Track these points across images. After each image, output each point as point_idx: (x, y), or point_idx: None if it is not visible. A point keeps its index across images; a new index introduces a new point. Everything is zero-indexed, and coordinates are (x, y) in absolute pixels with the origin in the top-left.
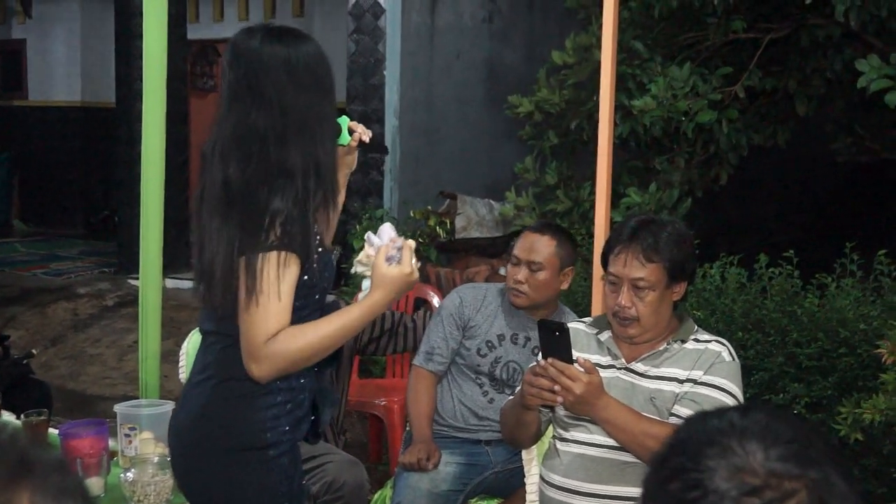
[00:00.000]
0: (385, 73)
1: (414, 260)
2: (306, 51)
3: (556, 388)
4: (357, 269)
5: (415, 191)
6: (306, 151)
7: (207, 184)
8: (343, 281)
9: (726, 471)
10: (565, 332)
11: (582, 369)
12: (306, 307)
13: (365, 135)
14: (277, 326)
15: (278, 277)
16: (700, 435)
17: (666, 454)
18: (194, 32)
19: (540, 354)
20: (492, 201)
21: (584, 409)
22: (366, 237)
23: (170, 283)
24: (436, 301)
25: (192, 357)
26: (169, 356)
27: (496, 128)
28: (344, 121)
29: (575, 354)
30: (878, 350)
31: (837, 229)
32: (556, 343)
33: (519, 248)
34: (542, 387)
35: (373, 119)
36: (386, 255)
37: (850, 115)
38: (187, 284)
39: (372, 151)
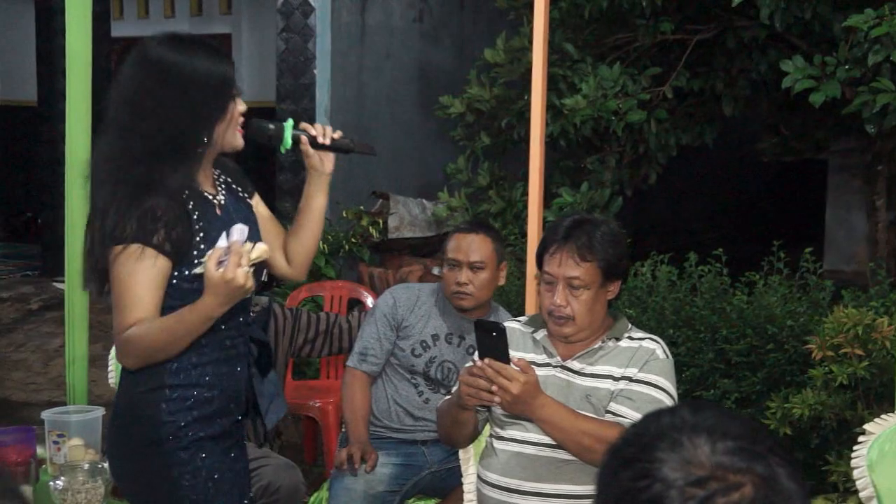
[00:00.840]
0: (315, 72)
1: (245, 267)
2: (196, 60)
3: (494, 388)
4: (198, 269)
5: (347, 191)
6: (171, 154)
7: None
8: (276, 283)
9: (675, 462)
10: (502, 332)
11: (518, 369)
12: None
13: (321, 136)
14: (137, 317)
15: (132, 270)
16: (653, 429)
17: (620, 446)
18: (119, 30)
19: (476, 354)
20: (424, 201)
21: (521, 409)
22: (221, 236)
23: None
24: (370, 301)
25: None
26: (97, 360)
27: (428, 128)
28: (288, 124)
29: (511, 354)
30: (808, 346)
31: (763, 227)
32: (492, 343)
33: (456, 251)
34: (480, 387)
35: (303, 119)
36: (217, 258)
37: (775, 115)
38: None
39: (339, 151)
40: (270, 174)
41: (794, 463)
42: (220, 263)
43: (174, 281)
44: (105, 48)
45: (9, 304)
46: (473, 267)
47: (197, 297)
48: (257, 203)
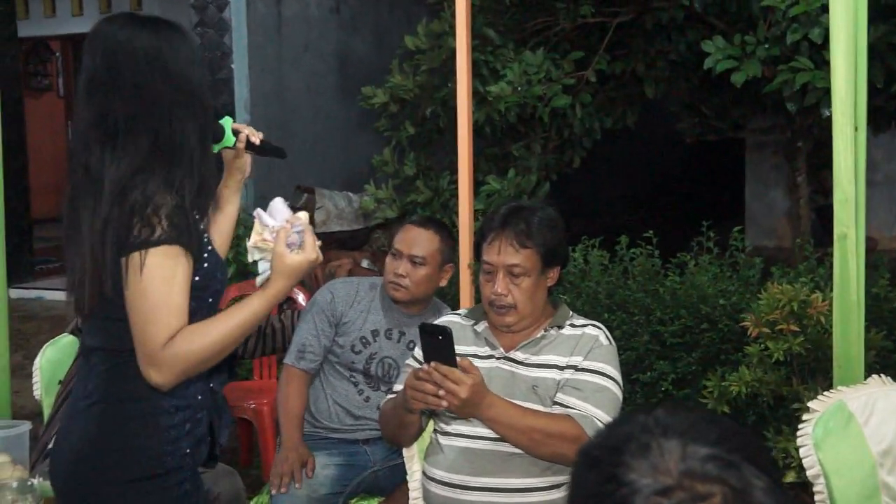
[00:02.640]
0: (233, 66)
1: (317, 241)
2: (169, 38)
3: (441, 392)
4: (254, 255)
5: (270, 186)
6: (174, 141)
7: (75, 181)
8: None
9: (643, 468)
10: (448, 335)
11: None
12: (199, 311)
13: (254, 136)
14: (176, 326)
15: (171, 274)
16: (624, 431)
17: (590, 447)
18: (25, 29)
19: (420, 356)
20: (350, 194)
21: (470, 411)
22: (255, 214)
23: (14, 293)
24: (301, 299)
25: (46, 372)
26: (17, 370)
27: (350, 119)
28: (227, 122)
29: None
30: (743, 324)
31: (687, 207)
32: (438, 347)
33: (400, 241)
34: (426, 391)
35: (222, 115)
36: (287, 240)
37: (695, 95)
38: (33, 294)
39: (266, 154)
40: None
41: (775, 474)
42: (289, 245)
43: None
44: (12, 49)
45: None
46: (413, 260)
47: (205, 300)
48: None
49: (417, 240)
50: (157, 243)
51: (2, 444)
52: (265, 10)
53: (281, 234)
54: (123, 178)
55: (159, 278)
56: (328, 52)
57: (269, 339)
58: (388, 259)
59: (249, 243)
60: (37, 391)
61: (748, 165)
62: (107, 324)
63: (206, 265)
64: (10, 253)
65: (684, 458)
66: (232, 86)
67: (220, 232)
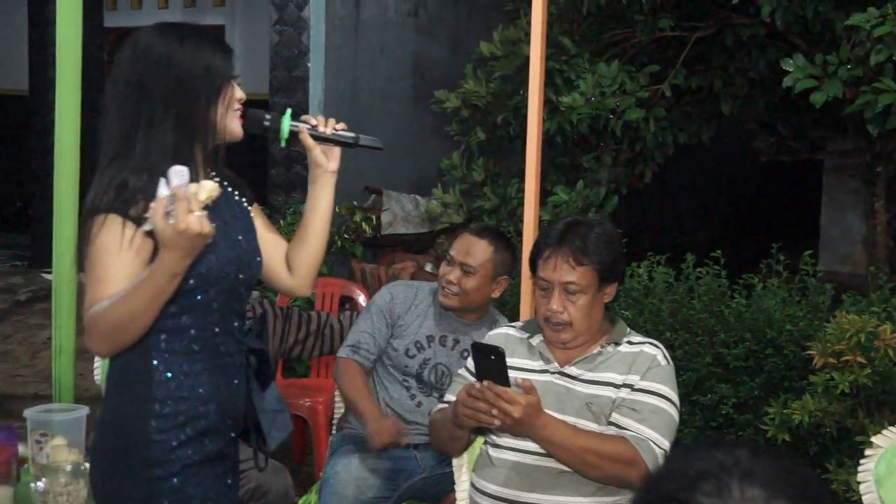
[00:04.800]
0: (309, 65)
1: (197, 212)
2: (174, 43)
3: (494, 411)
4: (146, 226)
5: (339, 186)
6: (168, 137)
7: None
8: None
9: None
10: (501, 355)
11: (520, 390)
12: (183, 313)
13: (323, 126)
14: (102, 295)
15: (106, 243)
16: (699, 465)
17: (658, 478)
18: (112, 20)
19: (474, 369)
20: (418, 197)
21: (524, 431)
22: (159, 182)
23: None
24: (362, 299)
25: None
26: (84, 354)
27: (422, 123)
28: (286, 115)
29: (512, 376)
30: (808, 352)
31: (758, 227)
32: (491, 366)
33: (455, 248)
34: (479, 409)
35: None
36: (164, 209)
37: (772, 114)
38: None
39: (339, 145)
40: (262, 168)
41: None
42: (167, 214)
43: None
44: (97, 38)
45: None
46: (464, 268)
47: (191, 298)
48: (256, 213)
49: (471, 248)
50: (100, 211)
51: (59, 427)
52: (344, 11)
53: (158, 203)
54: (104, 159)
55: (98, 245)
56: (404, 55)
57: (327, 339)
58: (442, 265)
59: (148, 213)
60: (97, 375)
61: (825, 188)
62: None
63: (145, 228)
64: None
65: None
66: (307, 85)
67: (308, 233)
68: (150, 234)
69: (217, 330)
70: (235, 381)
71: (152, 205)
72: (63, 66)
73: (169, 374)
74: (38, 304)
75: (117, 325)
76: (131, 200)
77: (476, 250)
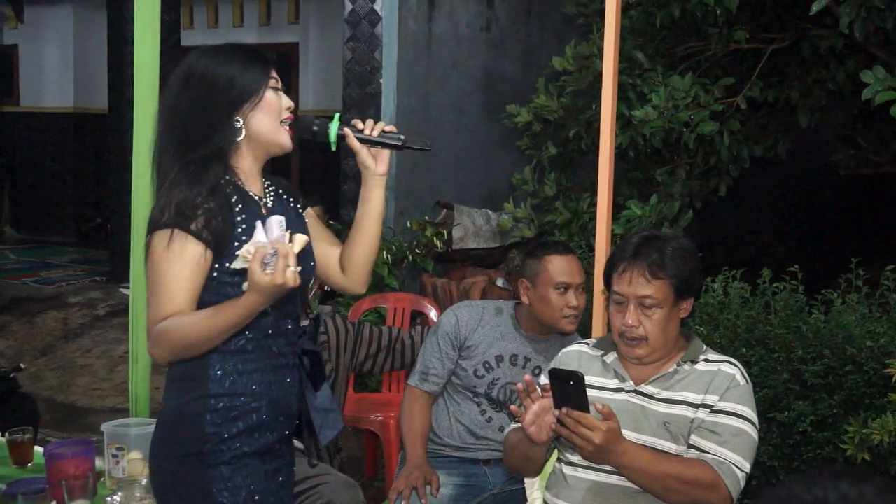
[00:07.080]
0: (381, 81)
1: (292, 267)
2: (204, 62)
3: (574, 438)
4: (237, 263)
5: (411, 200)
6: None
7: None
8: (338, 294)
9: None
10: (579, 381)
11: (600, 416)
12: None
13: (370, 128)
14: (169, 309)
15: (168, 258)
16: (821, 494)
17: (775, 500)
18: (188, 38)
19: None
20: (489, 211)
21: (604, 458)
22: (257, 225)
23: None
24: (433, 314)
25: None
26: (161, 368)
27: (493, 137)
28: (335, 120)
29: (590, 399)
30: (888, 370)
31: (838, 242)
32: (570, 392)
33: (570, 274)
34: (559, 434)
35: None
36: (262, 259)
37: (852, 127)
38: None
39: (388, 147)
40: (335, 183)
41: None
42: (265, 265)
43: (214, 275)
44: (175, 57)
45: (77, 309)
46: (582, 288)
47: (235, 293)
48: (311, 217)
49: (579, 268)
50: (162, 227)
51: (135, 441)
52: (416, 28)
53: (258, 253)
54: (164, 178)
55: (160, 260)
56: (475, 70)
57: (398, 354)
58: (554, 296)
59: (240, 251)
60: None
61: None
62: None
63: (235, 265)
64: None
65: None
66: (379, 100)
67: (359, 233)
68: (238, 271)
69: (270, 332)
70: (287, 380)
71: (249, 248)
72: (141, 85)
73: (223, 373)
74: (117, 319)
75: (188, 345)
76: (192, 216)
77: (580, 269)
